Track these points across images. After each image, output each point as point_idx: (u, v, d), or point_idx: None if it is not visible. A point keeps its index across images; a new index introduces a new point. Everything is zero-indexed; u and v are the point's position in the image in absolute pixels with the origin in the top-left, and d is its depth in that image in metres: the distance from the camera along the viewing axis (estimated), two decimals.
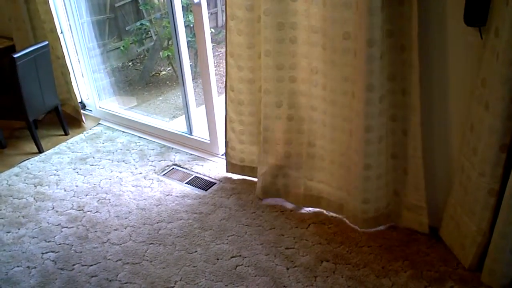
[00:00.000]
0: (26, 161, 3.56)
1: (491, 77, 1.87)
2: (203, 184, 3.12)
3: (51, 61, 3.71)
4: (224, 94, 2.85)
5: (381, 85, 2.16)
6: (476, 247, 2.17)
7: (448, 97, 2.19)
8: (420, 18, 2.06)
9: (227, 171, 3.13)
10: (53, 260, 2.55)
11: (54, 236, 2.73)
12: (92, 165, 3.45)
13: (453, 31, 2.03)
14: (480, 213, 2.09)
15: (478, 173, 2.04)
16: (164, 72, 5.91)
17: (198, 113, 3.57)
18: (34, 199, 3.09)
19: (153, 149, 3.60)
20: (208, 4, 2.97)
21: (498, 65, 1.80)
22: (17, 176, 3.37)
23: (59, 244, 2.67)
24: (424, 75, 2.18)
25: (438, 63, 2.14)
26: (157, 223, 2.77)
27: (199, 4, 2.91)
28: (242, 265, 2.42)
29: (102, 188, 3.16)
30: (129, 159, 3.49)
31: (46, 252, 2.61)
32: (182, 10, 3.20)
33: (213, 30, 6.17)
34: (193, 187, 3.09)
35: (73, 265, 2.50)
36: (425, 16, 2.07)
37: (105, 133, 3.92)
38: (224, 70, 2.77)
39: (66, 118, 3.99)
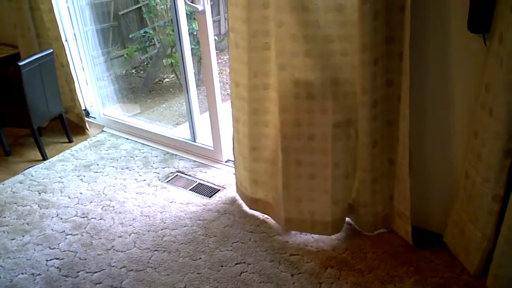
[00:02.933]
0: (30, 168, 3.57)
1: (495, 83, 1.87)
2: (207, 191, 3.12)
3: (56, 69, 3.73)
4: (227, 101, 2.82)
5: (375, 90, 2.17)
6: (481, 253, 2.16)
7: (451, 104, 2.19)
8: (422, 26, 2.08)
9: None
10: (57, 267, 2.55)
11: (59, 243, 2.73)
12: (96, 172, 3.46)
13: (457, 38, 2.04)
14: (484, 219, 2.09)
15: (483, 179, 2.03)
16: (167, 80, 5.93)
17: (201, 120, 3.58)
18: (38, 206, 3.09)
19: (156, 156, 3.61)
20: (211, 12, 2.98)
21: (502, 71, 1.81)
22: (21, 183, 3.38)
23: (64, 251, 2.67)
24: (424, 82, 2.20)
25: (441, 70, 2.15)
26: (161, 230, 2.78)
27: (203, 12, 2.93)
28: (246, 271, 2.41)
29: (106, 195, 3.16)
30: (133, 166, 3.50)
31: (51, 259, 2.61)
32: (186, 18, 3.23)
33: (216, 38, 6.20)
34: (197, 194, 3.10)
35: (78, 272, 2.51)
36: (427, 24, 2.09)
37: (109, 140, 3.94)
38: (227, 77, 2.75)
39: (70, 125, 4.01)
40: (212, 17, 6.29)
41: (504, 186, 1.98)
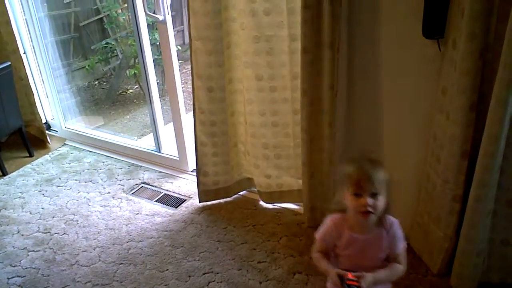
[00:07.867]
0: None
1: (450, 87, 1.93)
2: (173, 202, 3.09)
3: (14, 82, 3.63)
4: (191, 112, 2.84)
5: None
6: (444, 252, 2.21)
7: (410, 108, 2.25)
8: (377, 33, 2.14)
9: (199, 202, 3.01)
10: (19, 285, 2.47)
11: (20, 261, 2.65)
12: (59, 186, 3.38)
13: (413, 45, 2.10)
14: (446, 219, 2.14)
15: (442, 180, 2.09)
16: (131, 91, 5.87)
17: (166, 131, 3.55)
18: None
19: (121, 168, 3.56)
20: (174, 22, 2.98)
21: (456, 75, 1.87)
22: None
23: (26, 268, 2.59)
24: (381, 89, 2.25)
25: (398, 76, 2.21)
26: (127, 242, 2.73)
27: (164, 22, 2.92)
28: (214, 281, 2.40)
29: (69, 209, 3.09)
30: (97, 178, 3.44)
31: (12, 277, 2.53)
32: (148, 28, 3.21)
33: (179, 48, 6.17)
34: (163, 205, 3.07)
35: None
36: (382, 31, 2.14)
37: (72, 153, 3.86)
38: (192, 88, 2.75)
39: (31, 139, 3.91)
40: (176, 26, 6.28)
41: (463, 186, 2.04)
